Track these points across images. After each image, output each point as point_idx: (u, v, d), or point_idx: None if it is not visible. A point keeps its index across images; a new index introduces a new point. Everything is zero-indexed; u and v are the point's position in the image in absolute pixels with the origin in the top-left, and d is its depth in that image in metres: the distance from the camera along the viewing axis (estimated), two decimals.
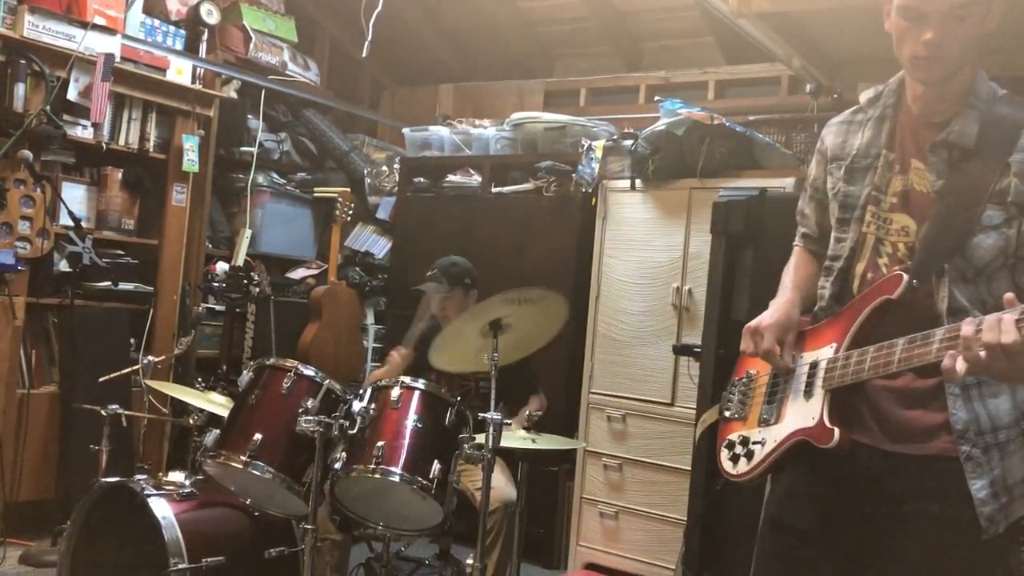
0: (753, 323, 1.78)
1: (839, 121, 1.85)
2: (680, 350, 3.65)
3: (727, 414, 1.89)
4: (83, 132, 4.02)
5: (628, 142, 4.03)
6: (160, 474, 3.06)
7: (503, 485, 3.10)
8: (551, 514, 4.19)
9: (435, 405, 2.64)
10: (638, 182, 3.98)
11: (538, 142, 4.60)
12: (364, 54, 4.78)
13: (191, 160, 4.35)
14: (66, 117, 3.94)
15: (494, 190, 4.63)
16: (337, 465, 2.50)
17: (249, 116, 4.89)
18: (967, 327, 1.40)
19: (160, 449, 4.30)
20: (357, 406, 2.59)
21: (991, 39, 1.64)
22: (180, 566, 2.53)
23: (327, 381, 2.63)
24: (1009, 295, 1.39)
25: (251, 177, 4.87)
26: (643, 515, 3.89)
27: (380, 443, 2.49)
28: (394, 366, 3.49)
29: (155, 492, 2.66)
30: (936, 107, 1.67)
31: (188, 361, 4.19)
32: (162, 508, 2.60)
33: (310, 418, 2.49)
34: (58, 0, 3.88)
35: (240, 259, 4.70)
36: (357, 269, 5.13)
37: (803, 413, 1.68)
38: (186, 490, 2.73)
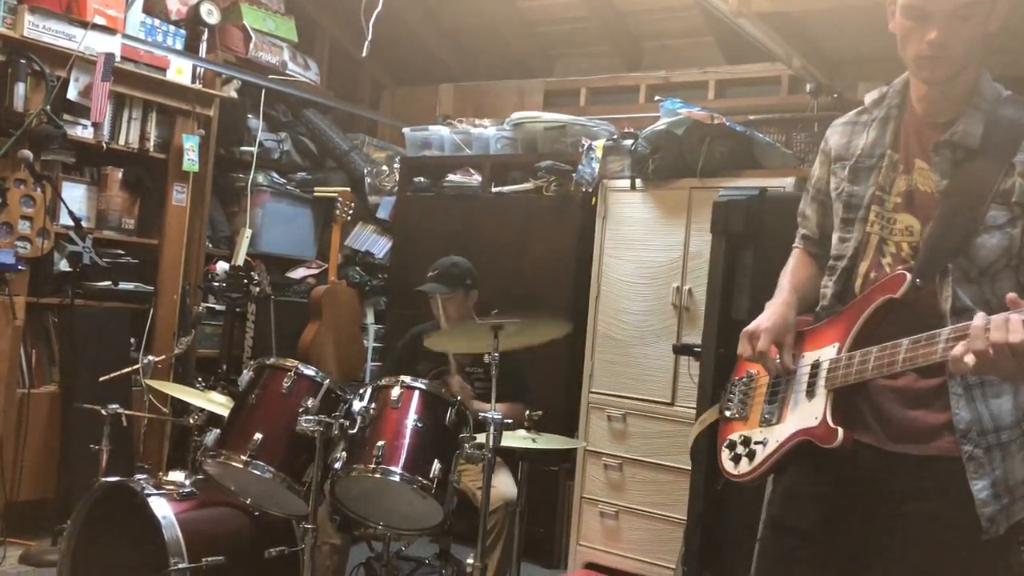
0: (750, 327, 1.79)
1: (843, 122, 1.85)
2: (680, 350, 3.65)
3: (727, 414, 1.88)
4: (83, 132, 4.02)
5: (628, 142, 4.03)
6: (160, 474, 3.06)
7: (504, 484, 3.10)
8: (551, 514, 4.19)
9: (435, 405, 2.63)
10: (638, 182, 3.98)
11: (538, 142, 4.60)
12: (364, 54, 4.78)
13: (191, 160, 4.35)
14: (66, 117, 3.94)
15: (494, 190, 4.63)
16: (337, 465, 2.49)
17: (249, 116, 4.89)
18: (978, 320, 1.40)
19: (160, 449, 4.30)
20: (357, 406, 2.59)
21: (994, 39, 1.65)
22: (180, 566, 2.53)
23: (327, 381, 2.63)
24: (1012, 295, 1.39)
25: (251, 177, 4.87)
26: (643, 515, 3.89)
27: (380, 443, 2.49)
28: None
29: (155, 492, 2.66)
30: (940, 107, 1.67)
31: (188, 361, 4.19)
32: (162, 508, 2.60)
33: (310, 418, 2.49)
34: (58, 0, 3.87)
35: (240, 259, 4.70)
36: (357, 269, 5.13)
37: (806, 413, 1.68)
38: (186, 490, 2.73)
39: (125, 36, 4.11)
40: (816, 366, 1.71)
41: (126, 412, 3.20)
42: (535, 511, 3.45)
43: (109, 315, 4.09)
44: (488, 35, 5.50)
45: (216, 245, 4.83)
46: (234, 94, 4.78)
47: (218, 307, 4.58)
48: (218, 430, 2.62)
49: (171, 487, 2.74)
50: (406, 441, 2.53)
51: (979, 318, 1.40)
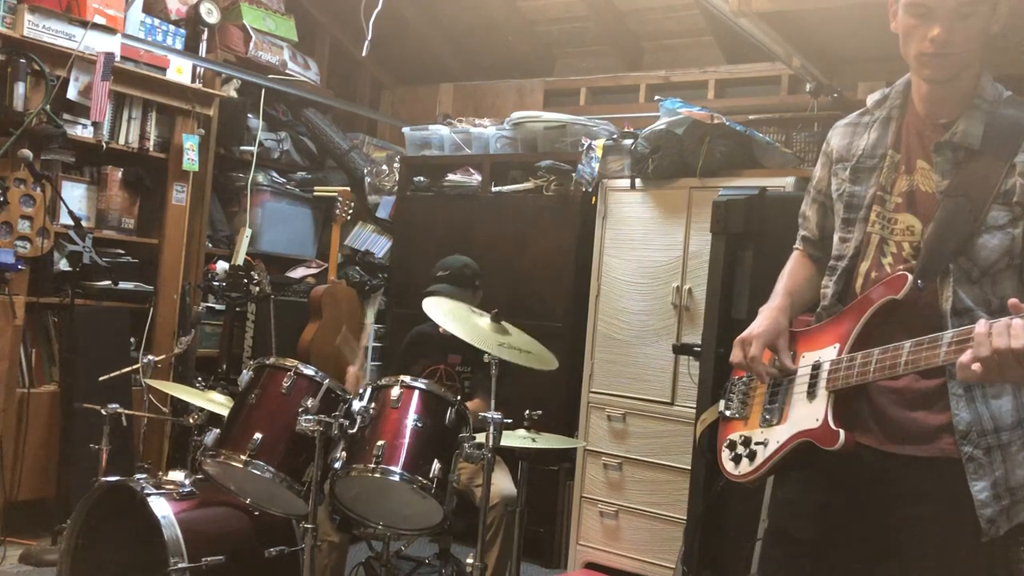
0: (743, 334, 1.80)
1: (845, 123, 1.86)
2: (680, 349, 3.65)
3: (728, 413, 1.88)
4: (83, 131, 4.02)
5: (628, 141, 4.03)
6: (160, 473, 3.05)
7: (503, 482, 3.10)
8: (551, 513, 4.19)
9: (435, 404, 2.63)
10: (638, 181, 3.98)
11: (538, 141, 4.60)
12: (364, 53, 4.79)
13: (191, 159, 4.35)
14: (66, 116, 3.94)
15: (494, 189, 4.63)
16: (337, 464, 2.49)
17: (249, 115, 4.89)
18: (980, 326, 1.40)
19: (160, 448, 4.30)
20: (357, 405, 2.59)
21: (995, 40, 1.65)
22: (180, 565, 2.53)
23: (327, 380, 2.63)
24: (1013, 300, 1.39)
25: (251, 176, 4.87)
26: (643, 514, 3.89)
27: (380, 442, 2.49)
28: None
29: (155, 491, 2.66)
30: (942, 107, 1.67)
31: (188, 360, 4.18)
32: (162, 507, 2.60)
33: (310, 417, 2.48)
34: None
35: (240, 258, 4.70)
36: (357, 268, 5.13)
37: (806, 414, 1.68)
38: (186, 489, 2.73)
39: (125, 36, 4.11)
40: (817, 367, 1.70)
41: (126, 412, 3.20)
42: (535, 511, 3.45)
43: (109, 315, 4.09)
44: (488, 34, 5.50)
45: (216, 245, 4.83)
46: (234, 94, 4.78)
47: (218, 307, 4.58)
48: (218, 430, 2.62)
49: (171, 487, 2.73)
50: (406, 441, 2.53)
51: (981, 324, 1.40)
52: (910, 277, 1.60)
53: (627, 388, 3.95)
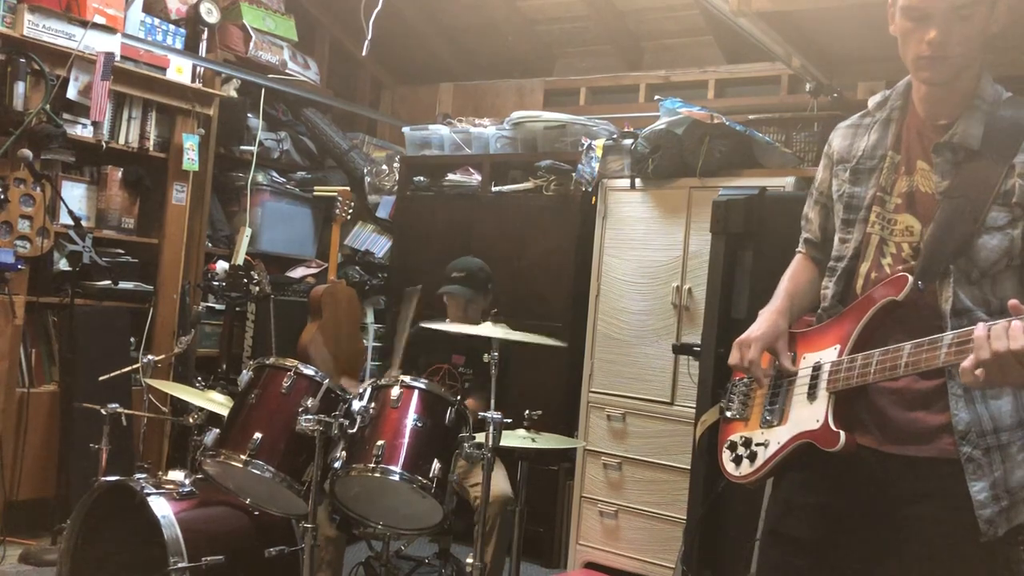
0: (742, 336, 1.80)
1: (846, 125, 1.86)
2: (680, 349, 3.66)
3: (728, 415, 1.88)
4: (83, 131, 4.02)
5: (628, 141, 4.03)
6: (160, 473, 3.06)
7: (499, 481, 3.10)
8: (551, 513, 4.19)
9: (435, 404, 2.63)
10: (638, 181, 3.98)
11: (538, 141, 4.60)
12: (364, 53, 4.79)
13: (191, 159, 4.35)
14: (66, 116, 3.94)
15: (494, 189, 4.63)
16: (337, 464, 2.49)
17: (249, 115, 4.89)
18: (979, 329, 1.40)
19: (160, 448, 4.30)
20: (357, 405, 2.59)
21: (994, 40, 1.65)
22: (180, 565, 2.53)
23: (327, 380, 2.63)
24: (1013, 301, 1.39)
25: (251, 176, 4.86)
26: (643, 514, 3.89)
27: (380, 442, 2.49)
28: None
29: (155, 491, 2.66)
30: (941, 109, 1.67)
31: (188, 360, 4.18)
32: (162, 507, 2.60)
33: (310, 417, 2.49)
34: None
35: (240, 258, 4.70)
36: (357, 268, 5.13)
37: (807, 415, 1.68)
38: (186, 489, 2.73)
39: (125, 35, 4.11)
40: (817, 368, 1.71)
41: (126, 411, 3.20)
42: (535, 510, 3.45)
43: (109, 314, 4.09)
44: (488, 34, 5.50)
45: (216, 244, 4.83)
46: (234, 93, 4.78)
47: (218, 306, 4.58)
48: (218, 429, 2.62)
49: (171, 486, 2.74)
50: (406, 440, 2.53)
51: (980, 327, 1.40)
52: (910, 278, 1.60)
53: (627, 388, 3.95)
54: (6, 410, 3.74)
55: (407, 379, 2.66)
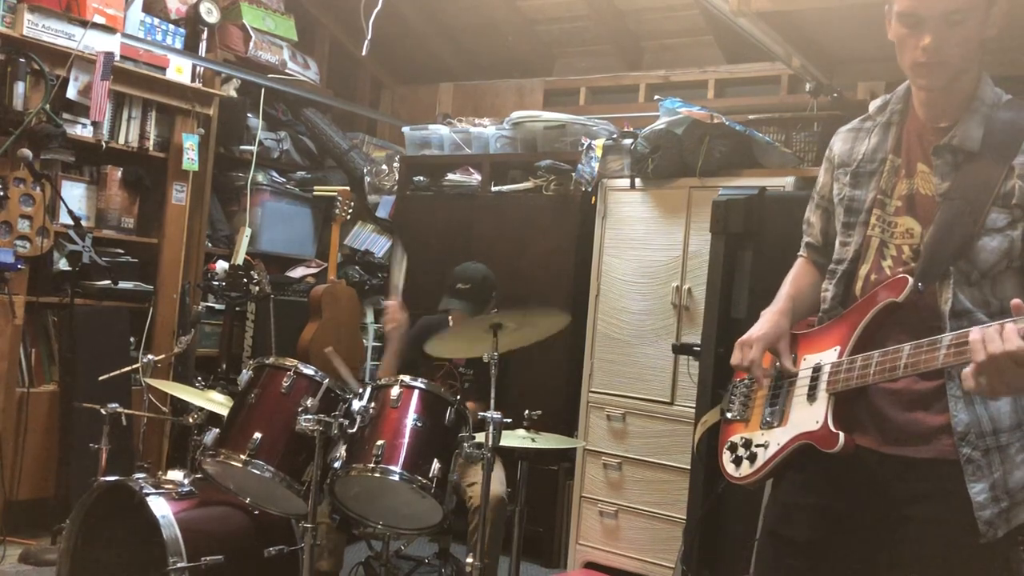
0: (743, 337, 1.81)
1: (847, 129, 1.87)
2: (680, 349, 3.66)
3: (729, 416, 1.89)
4: (83, 131, 4.02)
5: (628, 141, 4.03)
6: (159, 473, 3.06)
7: (493, 482, 3.10)
8: (551, 513, 4.19)
9: (435, 404, 2.64)
10: (638, 181, 3.98)
11: (538, 141, 4.60)
12: (364, 53, 4.78)
13: (191, 159, 4.35)
14: (66, 116, 3.94)
15: (494, 189, 4.63)
16: (337, 464, 2.50)
17: (249, 115, 4.89)
18: (974, 334, 1.40)
19: (160, 448, 4.30)
20: (357, 405, 2.59)
21: (993, 41, 1.65)
22: (179, 565, 2.53)
23: (326, 380, 2.63)
24: (1016, 301, 1.39)
25: (251, 176, 4.87)
26: (643, 514, 3.89)
27: (380, 442, 2.49)
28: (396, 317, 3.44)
29: (154, 491, 2.66)
30: (941, 112, 1.67)
31: (188, 360, 4.18)
32: (161, 507, 2.60)
33: (310, 417, 2.49)
34: None
35: (240, 258, 4.70)
36: (357, 268, 5.13)
37: (807, 417, 1.68)
38: (185, 489, 2.73)
39: (125, 35, 4.11)
40: (817, 370, 1.71)
41: (125, 411, 3.20)
42: (534, 510, 3.45)
43: (109, 314, 4.09)
44: (488, 34, 5.50)
45: (216, 244, 4.83)
46: (234, 93, 4.78)
47: (218, 306, 4.58)
48: (217, 429, 2.62)
49: (170, 486, 2.74)
50: (405, 440, 2.53)
51: (975, 331, 1.41)
52: (910, 280, 1.61)
53: (627, 388, 3.95)
54: (6, 410, 3.74)
55: (407, 379, 2.66)
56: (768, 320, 1.82)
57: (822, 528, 1.71)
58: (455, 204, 4.72)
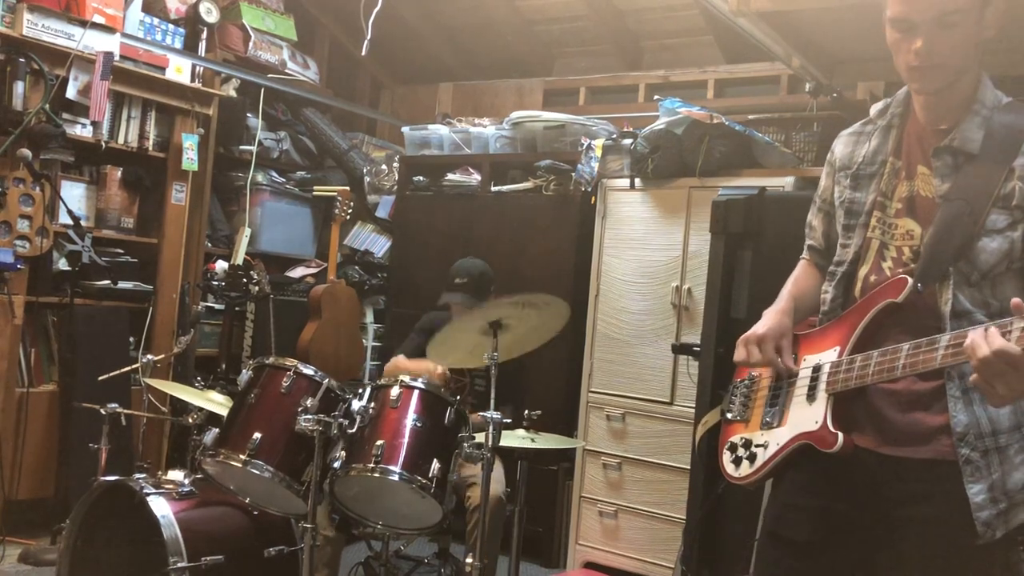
0: (747, 334, 1.81)
1: (849, 132, 1.88)
2: (679, 349, 3.66)
3: (729, 416, 1.89)
4: (82, 130, 4.02)
5: (627, 141, 4.03)
6: (159, 473, 3.06)
7: (493, 482, 3.10)
8: (550, 513, 4.19)
9: (434, 404, 2.63)
10: (637, 181, 3.98)
11: (537, 141, 4.60)
12: (364, 53, 4.78)
13: (190, 159, 4.35)
14: (65, 115, 3.94)
15: (494, 189, 4.63)
16: (336, 464, 2.49)
17: (248, 115, 4.89)
18: (967, 340, 1.42)
19: (159, 448, 4.30)
20: (356, 405, 2.59)
21: (991, 42, 1.65)
22: (179, 565, 2.53)
23: (326, 380, 2.63)
24: (1016, 300, 1.39)
25: (250, 176, 4.87)
26: (642, 514, 3.89)
27: (379, 442, 2.49)
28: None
29: (154, 491, 2.65)
30: (941, 114, 1.68)
31: (188, 360, 4.18)
32: (161, 507, 2.60)
33: (309, 417, 2.49)
34: None
35: (239, 258, 4.70)
36: (357, 268, 5.13)
37: (806, 417, 1.69)
38: (185, 489, 2.73)
39: (124, 35, 4.11)
40: (817, 370, 1.71)
41: (125, 411, 3.20)
42: (534, 510, 3.45)
43: (108, 314, 4.09)
44: (487, 34, 5.50)
45: (215, 244, 4.83)
46: (233, 93, 4.78)
47: (217, 306, 4.58)
48: (217, 429, 2.62)
49: (170, 486, 2.73)
50: (405, 440, 2.53)
51: (968, 338, 1.42)
52: (910, 280, 1.61)
53: (626, 388, 3.96)
54: (5, 410, 3.74)
55: (406, 379, 2.66)
56: (772, 318, 1.82)
57: (821, 529, 1.71)
58: (455, 204, 4.72)
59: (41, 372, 3.98)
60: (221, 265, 4.63)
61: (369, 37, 4.69)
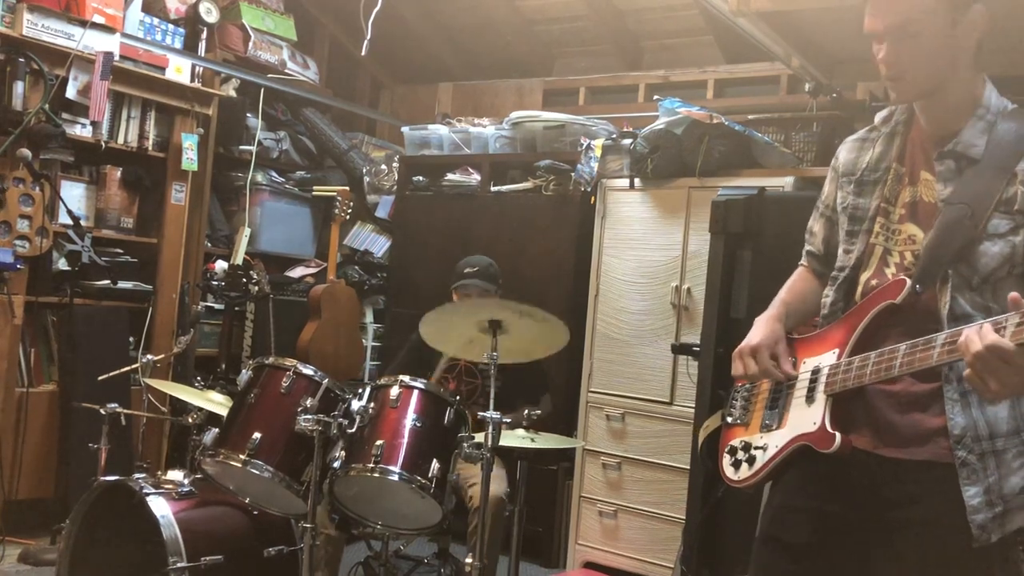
0: (741, 346, 1.81)
1: (853, 139, 1.88)
2: (679, 349, 3.66)
3: (729, 420, 1.90)
4: (82, 130, 4.02)
5: (627, 141, 4.03)
6: (159, 473, 3.06)
7: (493, 482, 3.10)
8: (550, 513, 4.19)
9: (434, 404, 2.64)
10: (637, 181, 3.98)
11: (537, 141, 4.60)
12: (363, 53, 4.78)
13: (190, 159, 4.35)
14: (65, 115, 3.94)
15: (493, 189, 4.63)
16: (336, 464, 2.50)
17: (248, 115, 4.89)
18: (961, 338, 1.42)
19: (159, 448, 4.30)
20: (356, 405, 2.59)
21: (991, 42, 1.65)
22: (179, 565, 2.53)
23: (326, 380, 2.63)
24: (1014, 295, 1.39)
25: (250, 175, 4.86)
26: (642, 514, 3.89)
27: (379, 442, 2.50)
28: None
29: (154, 491, 2.66)
30: (942, 120, 1.68)
31: (187, 360, 4.18)
32: (161, 507, 2.61)
33: (309, 417, 2.49)
34: None
35: (239, 258, 4.70)
36: (356, 268, 5.13)
37: (805, 418, 1.69)
38: (185, 489, 2.73)
39: (124, 35, 4.11)
40: (816, 372, 1.72)
41: (125, 411, 3.20)
42: (534, 510, 3.45)
43: (108, 314, 4.09)
44: (487, 34, 5.50)
45: (215, 244, 4.83)
46: (233, 93, 4.78)
47: (217, 306, 4.58)
48: (217, 429, 2.62)
49: (170, 486, 2.74)
50: (405, 440, 2.53)
51: (962, 335, 1.42)
52: (908, 282, 1.61)
53: (626, 388, 3.96)
54: (5, 410, 3.74)
55: (406, 379, 2.66)
56: (764, 326, 1.83)
57: (819, 531, 1.71)
58: (454, 204, 4.72)
59: (41, 372, 3.98)
60: (221, 265, 4.63)
61: (369, 37, 4.69)
